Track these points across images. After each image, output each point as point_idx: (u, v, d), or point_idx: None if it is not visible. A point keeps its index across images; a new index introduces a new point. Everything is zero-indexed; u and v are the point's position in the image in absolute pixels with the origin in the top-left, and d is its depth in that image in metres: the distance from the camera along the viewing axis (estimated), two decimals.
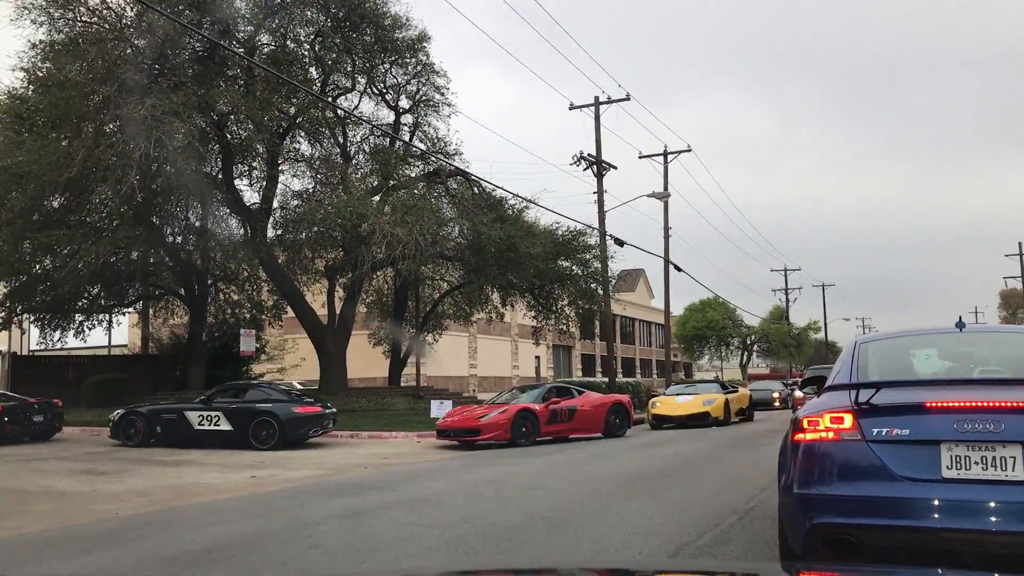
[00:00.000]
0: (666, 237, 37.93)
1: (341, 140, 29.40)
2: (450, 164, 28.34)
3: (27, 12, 22.76)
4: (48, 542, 7.82)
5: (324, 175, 27.86)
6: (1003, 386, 4.96)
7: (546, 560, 6.48)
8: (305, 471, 13.64)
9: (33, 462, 15.28)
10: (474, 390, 46.56)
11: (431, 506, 9.43)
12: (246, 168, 27.95)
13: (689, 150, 38.89)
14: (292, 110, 26.57)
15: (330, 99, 27.69)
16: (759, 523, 7.54)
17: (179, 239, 28.76)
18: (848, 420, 4.69)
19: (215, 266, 29.55)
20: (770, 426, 23.51)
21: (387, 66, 28.61)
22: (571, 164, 31.79)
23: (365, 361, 35.54)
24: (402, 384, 32.64)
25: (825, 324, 77.89)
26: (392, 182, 27.85)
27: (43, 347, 32.82)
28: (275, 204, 27.87)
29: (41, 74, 23.93)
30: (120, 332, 41.72)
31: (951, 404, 4.51)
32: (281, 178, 28.13)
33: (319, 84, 27.68)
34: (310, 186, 28.20)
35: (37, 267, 26.43)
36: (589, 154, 31.71)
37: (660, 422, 24.00)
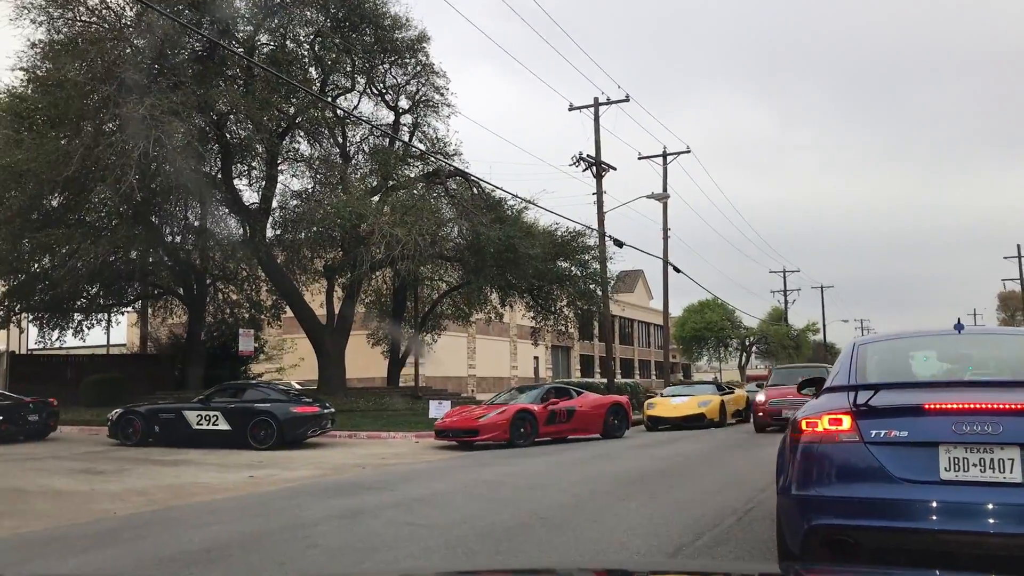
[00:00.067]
0: (665, 238, 37.96)
1: (340, 140, 29.41)
2: (449, 164, 28.36)
3: (26, 12, 22.79)
4: (46, 541, 7.82)
5: (323, 175, 27.88)
6: (1001, 388, 4.97)
7: (545, 560, 6.48)
8: (303, 471, 13.64)
9: (31, 461, 15.28)
10: (473, 390, 46.57)
11: (429, 506, 9.43)
12: (245, 168, 27.96)
13: (688, 151, 38.93)
14: (291, 110, 26.58)
15: (329, 99, 27.69)
16: (758, 524, 7.54)
17: (178, 239, 28.77)
18: (847, 422, 4.69)
19: (214, 266, 29.55)
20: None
21: (387, 66, 28.63)
22: (570, 165, 31.82)
23: (364, 361, 35.54)
24: (401, 384, 32.65)
25: (824, 325, 77.88)
26: (391, 182, 27.86)
27: (42, 346, 32.82)
28: (274, 204, 27.90)
29: (40, 73, 23.93)
30: (119, 331, 41.71)
31: (949, 406, 4.52)
32: (280, 178, 28.16)
33: (318, 84, 27.69)
34: (309, 186, 28.24)
35: (36, 266, 26.42)
36: (588, 155, 31.73)
37: (655, 424, 23.99)
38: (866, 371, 5.48)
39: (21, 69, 23.98)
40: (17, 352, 34.84)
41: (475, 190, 28.40)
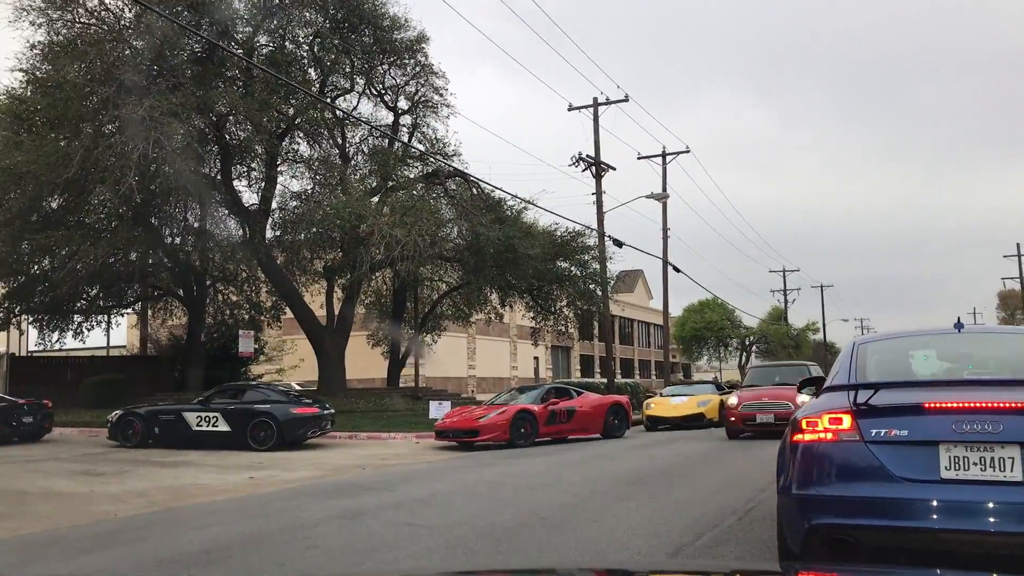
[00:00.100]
0: (664, 238, 37.95)
1: (340, 141, 29.41)
2: (449, 165, 28.36)
3: (26, 13, 22.79)
4: (47, 543, 7.81)
5: (323, 176, 27.89)
6: (1001, 387, 4.96)
7: (545, 561, 6.48)
8: (303, 472, 13.64)
9: (31, 463, 15.28)
10: (473, 391, 46.57)
11: (430, 507, 9.43)
12: (245, 169, 27.97)
13: (687, 151, 38.90)
14: (291, 111, 26.59)
15: (329, 100, 27.69)
16: (758, 524, 7.54)
17: (178, 240, 28.78)
18: (847, 421, 4.69)
19: (214, 267, 29.56)
20: None
21: (386, 67, 28.63)
22: (570, 165, 31.80)
23: (364, 362, 35.55)
24: (401, 385, 32.64)
25: (824, 325, 77.85)
26: (391, 183, 27.86)
27: (42, 348, 32.80)
28: (274, 205, 27.90)
29: (40, 75, 23.94)
30: (119, 333, 41.71)
31: (949, 405, 4.51)
32: (280, 179, 28.17)
33: (318, 85, 27.69)
34: (309, 187, 28.25)
35: (36, 268, 26.42)
36: (588, 155, 31.73)
37: (654, 424, 23.97)
38: (866, 370, 5.48)
39: (20, 71, 24.01)
40: (17, 354, 34.83)
41: (474, 190, 28.41)
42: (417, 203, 25.45)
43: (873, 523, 4.48)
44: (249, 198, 28.07)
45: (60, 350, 32.39)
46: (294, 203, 28.00)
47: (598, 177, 31.84)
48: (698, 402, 24.37)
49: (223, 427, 18.08)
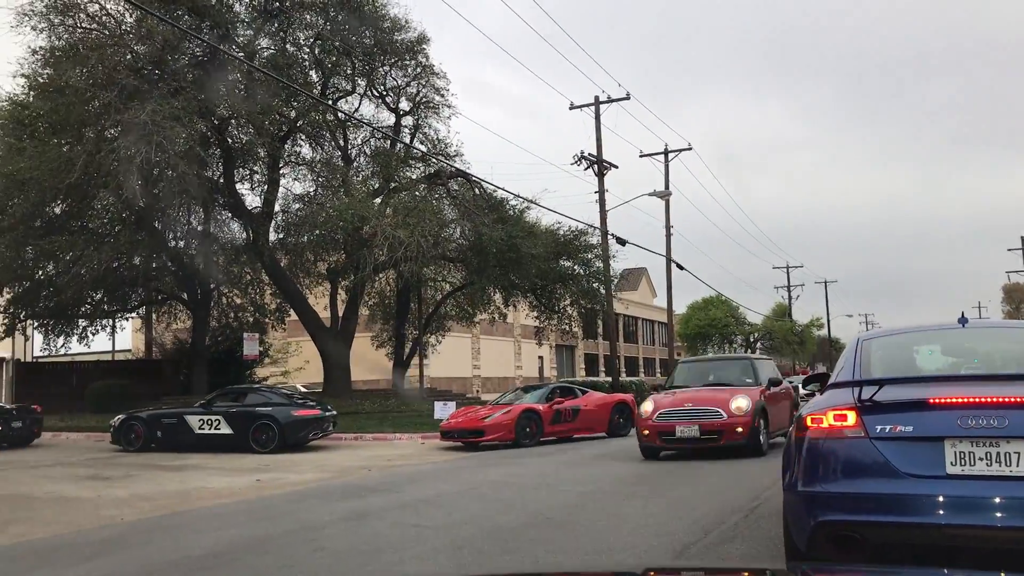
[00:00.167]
0: (668, 236, 37.89)
1: (342, 143, 29.43)
2: (451, 165, 28.36)
3: (27, 19, 22.84)
4: (54, 548, 7.82)
5: (325, 178, 27.90)
6: (1007, 381, 4.95)
7: (551, 561, 6.47)
8: (309, 474, 13.65)
9: (38, 468, 15.31)
10: (478, 391, 46.57)
11: (435, 508, 9.43)
12: (247, 172, 28.01)
13: (690, 148, 38.86)
14: (292, 114, 26.60)
15: (330, 102, 27.71)
16: (764, 521, 7.53)
17: (181, 244, 28.81)
18: (852, 417, 4.68)
19: (218, 270, 29.59)
20: None
21: (387, 68, 28.65)
22: (572, 164, 31.83)
23: (368, 363, 35.56)
24: (406, 386, 32.65)
25: (828, 321, 77.88)
26: (393, 184, 27.88)
27: (47, 353, 32.86)
28: (277, 207, 27.94)
29: (42, 80, 23.99)
30: (123, 337, 41.81)
31: (955, 400, 4.50)
32: (282, 181, 28.21)
33: (319, 87, 27.71)
34: (311, 189, 28.27)
35: (40, 273, 26.47)
36: (590, 154, 31.72)
37: None
38: (870, 366, 5.47)
39: (22, 76, 24.07)
40: (22, 360, 34.90)
41: (477, 190, 28.40)
42: (420, 204, 25.46)
43: (879, 519, 4.47)
44: (252, 201, 28.14)
45: (65, 355, 32.45)
46: (297, 205, 28.05)
47: (600, 175, 31.83)
48: None
49: (225, 430, 18.09)
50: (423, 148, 29.39)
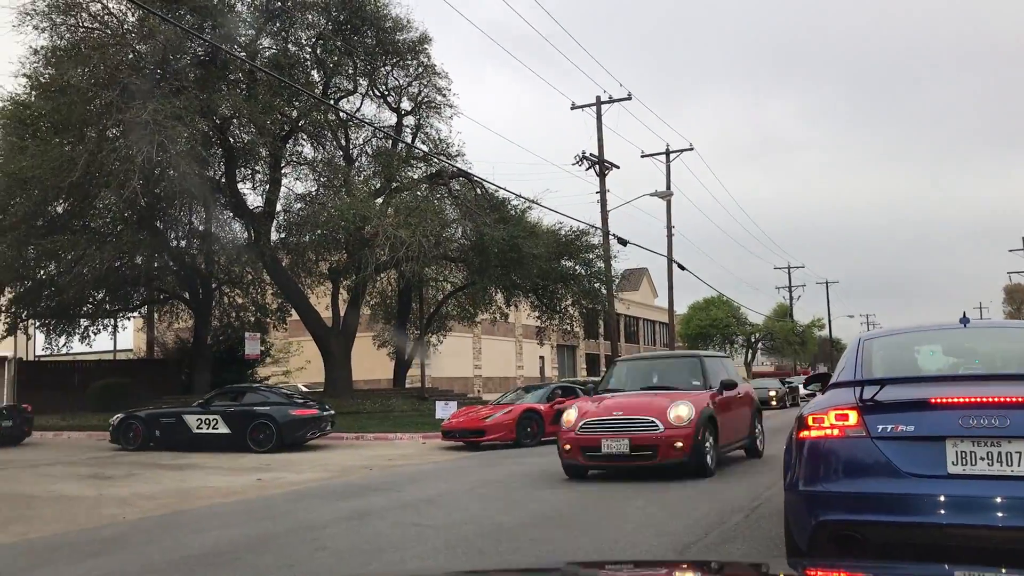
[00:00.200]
0: (669, 236, 37.86)
1: (343, 143, 29.43)
2: (452, 165, 28.37)
3: (29, 18, 22.86)
4: (55, 547, 7.83)
5: (327, 178, 27.90)
6: (1008, 381, 4.94)
7: (552, 560, 6.48)
8: (310, 473, 13.66)
9: (39, 467, 15.32)
10: (479, 391, 46.57)
11: (436, 507, 9.43)
12: (249, 172, 28.02)
13: (691, 149, 38.77)
14: (294, 113, 26.61)
15: (332, 102, 27.72)
16: (765, 521, 7.53)
17: (183, 243, 28.84)
18: (853, 417, 4.69)
19: (219, 270, 29.61)
20: (773, 423, 23.43)
21: (388, 68, 28.65)
22: (573, 164, 31.83)
23: (370, 363, 35.57)
24: (407, 386, 32.67)
25: (829, 321, 77.82)
26: (395, 184, 27.88)
27: (48, 352, 32.88)
28: (278, 207, 27.94)
29: (44, 80, 24.00)
30: (125, 337, 41.77)
31: (956, 400, 4.50)
32: (284, 181, 28.20)
33: (321, 87, 27.72)
34: (313, 189, 28.28)
35: (42, 272, 26.49)
36: (591, 154, 31.73)
37: None
38: (872, 366, 5.46)
39: (24, 76, 24.08)
40: (24, 359, 34.93)
41: (478, 190, 28.41)
42: (421, 204, 25.46)
43: (880, 519, 4.47)
44: (254, 201, 28.15)
45: (67, 354, 32.47)
46: (298, 205, 28.06)
47: (602, 176, 31.83)
48: None
49: (223, 429, 18.12)
50: (425, 148, 29.40)
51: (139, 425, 18.80)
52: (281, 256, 28.16)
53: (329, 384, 28.68)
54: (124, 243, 24.50)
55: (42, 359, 37.38)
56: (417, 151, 29.29)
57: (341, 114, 28.01)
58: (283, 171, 27.82)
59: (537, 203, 27.36)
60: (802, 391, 34.05)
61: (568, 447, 11.21)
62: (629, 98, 32.68)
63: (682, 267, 37.59)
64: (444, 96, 29.23)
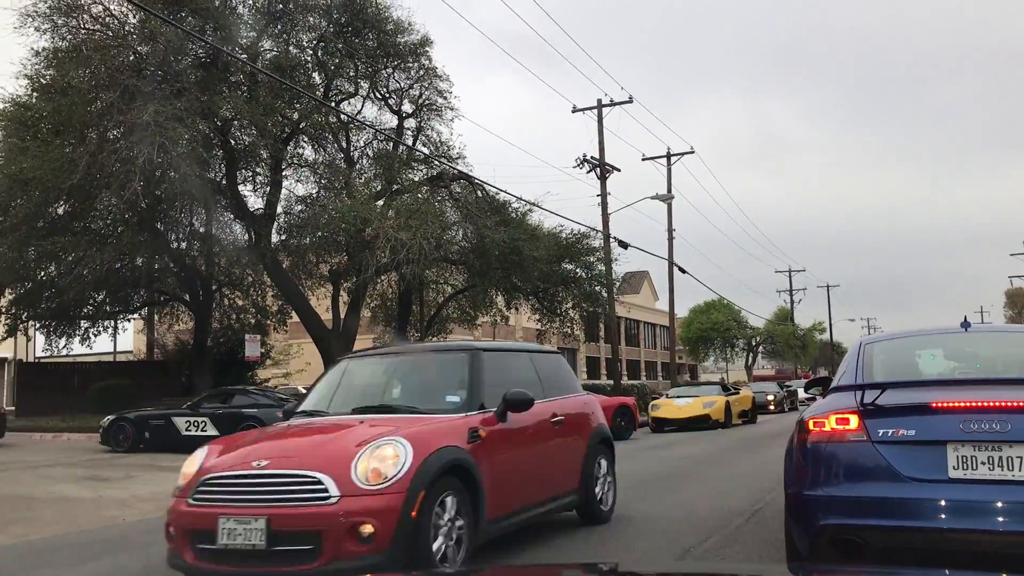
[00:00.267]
0: (670, 239, 37.90)
1: (344, 145, 29.42)
2: (453, 168, 28.37)
3: (30, 20, 22.82)
4: (55, 548, 7.83)
5: (328, 180, 27.89)
6: (1009, 386, 4.94)
7: (550, 561, 6.47)
8: None
9: (38, 468, 15.31)
10: None
11: None
12: (250, 174, 28.00)
13: (692, 152, 38.84)
14: (295, 115, 26.61)
15: (333, 104, 27.71)
16: (766, 525, 7.52)
17: (184, 245, 28.82)
18: (854, 421, 4.68)
19: (220, 272, 29.60)
20: (773, 428, 23.46)
21: (390, 71, 28.64)
22: (574, 167, 31.90)
23: None
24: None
25: (830, 325, 77.80)
26: (396, 186, 27.87)
27: (48, 354, 32.87)
28: (279, 209, 27.90)
29: (44, 81, 24.00)
30: (125, 338, 41.74)
31: (957, 404, 4.50)
32: (285, 183, 28.17)
33: (322, 89, 27.72)
34: (314, 191, 28.25)
35: (42, 274, 26.48)
36: (592, 157, 31.75)
37: (661, 425, 23.96)
38: (873, 370, 5.47)
39: (25, 77, 24.06)
40: (24, 360, 34.93)
41: (479, 193, 28.41)
42: (422, 206, 25.45)
43: (881, 523, 4.47)
44: (254, 202, 28.11)
45: (67, 356, 32.46)
46: (299, 207, 28.03)
47: (603, 179, 31.86)
48: (704, 403, 24.37)
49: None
50: (426, 150, 29.40)
51: (129, 427, 18.94)
52: (282, 258, 28.15)
53: None
54: (124, 245, 24.49)
55: (42, 360, 37.36)
56: (418, 153, 29.29)
57: (342, 116, 28.01)
58: (284, 173, 27.81)
59: (538, 206, 27.39)
60: (802, 395, 34.07)
61: (172, 529, 5.89)
62: (630, 101, 32.74)
63: (683, 270, 37.64)
64: (445, 99, 29.25)
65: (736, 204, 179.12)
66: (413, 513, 5.39)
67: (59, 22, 23.20)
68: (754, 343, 70.62)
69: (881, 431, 4.58)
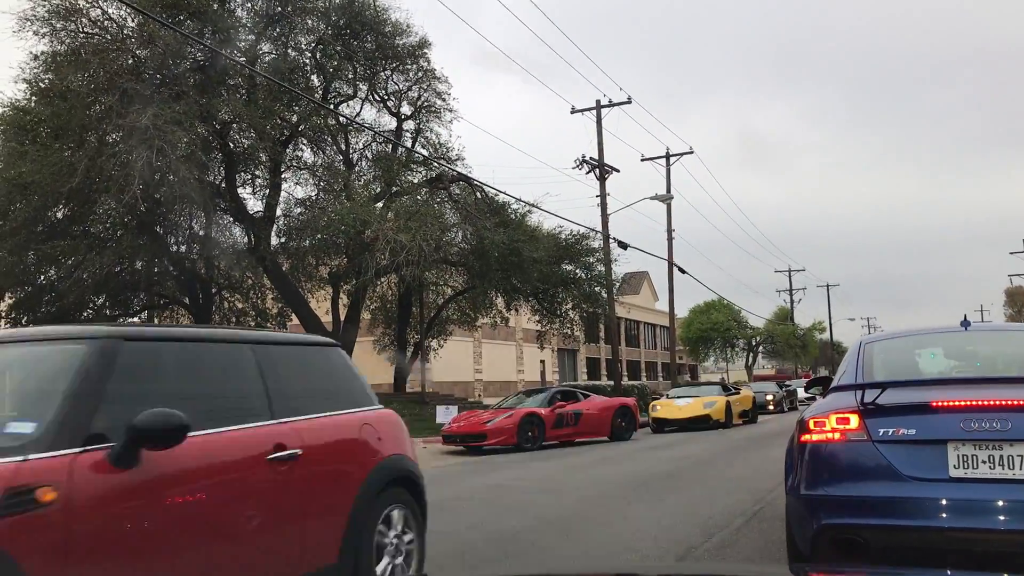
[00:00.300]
0: (669, 239, 37.89)
1: (343, 147, 29.45)
2: (452, 170, 28.39)
3: (29, 24, 22.85)
4: None
5: (327, 182, 27.92)
6: (1009, 384, 4.94)
7: (555, 565, 6.47)
8: None
9: None
10: (479, 395, 46.54)
11: (438, 512, 9.38)
12: (249, 176, 28.01)
13: (691, 152, 38.84)
14: (294, 118, 26.63)
15: (332, 106, 27.74)
16: (767, 525, 7.52)
17: (183, 248, 28.83)
18: (854, 421, 4.68)
19: (219, 275, 29.60)
20: (774, 427, 23.46)
21: (388, 73, 28.67)
22: (574, 168, 31.93)
23: (370, 368, 35.51)
24: (407, 390, 32.65)
25: (830, 324, 77.82)
26: (395, 188, 27.90)
27: None
28: (278, 212, 27.94)
29: (43, 85, 24.00)
30: None
31: (957, 403, 4.50)
32: (284, 186, 28.20)
33: (321, 92, 27.74)
34: (313, 193, 28.29)
35: (42, 278, 26.49)
36: (591, 158, 31.77)
37: (661, 426, 23.95)
38: (873, 369, 5.46)
39: (24, 81, 24.07)
40: None
41: (478, 194, 28.44)
42: (421, 208, 25.47)
43: (882, 523, 4.46)
44: (254, 205, 28.13)
45: None
46: (299, 210, 28.07)
47: (602, 179, 31.87)
48: (704, 403, 24.35)
49: None
50: (425, 152, 29.43)
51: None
52: (281, 261, 28.17)
53: None
54: (124, 248, 24.50)
55: None
56: (417, 155, 29.32)
57: (341, 119, 28.04)
58: (283, 176, 27.83)
59: (537, 207, 27.45)
60: (802, 395, 34.07)
61: None
62: (629, 102, 32.76)
63: (683, 270, 37.64)
64: (444, 100, 29.30)
65: (736, 204, 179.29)
66: None
67: (58, 26, 23.21)
68: (754, 343, 70.62)
69: (881, 430, 4.58)
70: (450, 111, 29.40)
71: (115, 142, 22.42)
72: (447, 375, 43.03)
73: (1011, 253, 61.06)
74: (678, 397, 25.63)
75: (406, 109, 29.57)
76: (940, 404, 4.53)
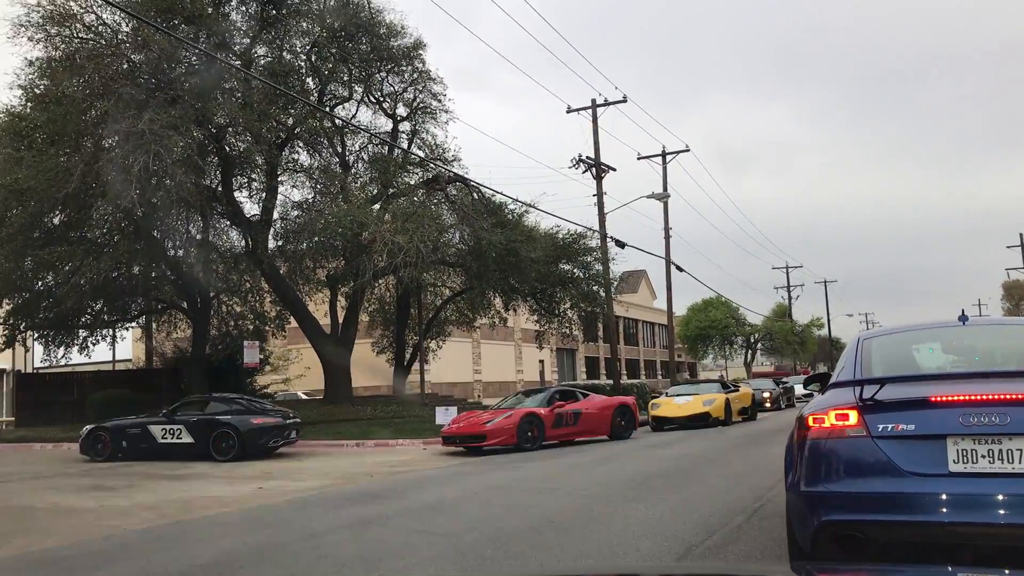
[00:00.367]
0: (667, 238, 37.92)
1: (340, 149, 29.44)
2: (449, 171, 28.38)
3: (24, 29, 22.84)
4: (57, 559, 7.81)
5: (323, 185, 27.91)
6: (1008, 378, 4.94)
7: (556, 566, 6.47)
8: (312, 481, 13.64)
9: (39, 479, 15.30)
10: (479, 396, 46.54)
11: (439, 513, 9.42)
12: (245, 180, 27.99)
13: (687, 150, 38.91)
14: (290, 121, 26.61)
15: (328, 109, 27.73)
16: (767, 522, 7.53)
17: (180, 252, 28.78)
18: (853, 417, 4.68)
19: (217, 278, 29.55)
20: (773, 425, 23.48)
21: (383, 74, 28.67)
22: (570, 167, 31.90)
23: (369, 369, 35.54)
24: (406, 392, 32.65)
25: (828, 321, 77.89)
26: (392, 190, 27.89)
27: (47, 364, 32.79)
28: (275, 215, 27.93)
29: (39, 91, 23.98)
30: (124, 347, 41.75)
31: (956, 398, 4.50)
32: (281, 189, 28.20)
33: (316, 94, 27.74)
34: (310, 196, 28.27)
35: (39, 284, 26.44)
36: (588, 157, 31.76)
37: (660, 424, 23.95)
38: (871, 365, 5.46)
39: (19, 87, 24.06)
40: (23, 371, 34.86)
41: (475, 195, 28.42)
42: (418, 209, 25.46)
43: (882, 518, 4.47)
44: (250, 209, 28.13)
45: (66, 366, 32.40)
46: (295, 213, 28.04)
47: (598, 178, 31.87)
48: (703, 401, 24.35)
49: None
50: (421, 153, 29.42)
51: (107, 436, 19.08)
52: (279, 264, 28.15)
53: (329, 391, 28.63)
54: (121, 253, 24.47)
55: (41, 371, 37.27)
56: (413, 157, 29.31)
57: (337, 121, 28.04)
58: (279, 179, 27.82)
59: (534, 207, 27.43)
60: (800, 391, 34.06)
61: None
62: (624, 100, 32.76)
63: (680, 268, 37.65)
64: (439, 101, 29.30)
65: (733, 202, 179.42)
66: None
67: (52, 32, 23.20)
68: (753, 340, 70.65)
69: (880, 426, 4.58)
70: (446, 112, 29.45)
71: (111, 147, 22.42)
72: (446, 376, 43.02)
73: (1008, 247, 61.14)
74: (677, 395, 25.63)
75: (402, 111, 29.59)
76: (939, 399, 4.54)
